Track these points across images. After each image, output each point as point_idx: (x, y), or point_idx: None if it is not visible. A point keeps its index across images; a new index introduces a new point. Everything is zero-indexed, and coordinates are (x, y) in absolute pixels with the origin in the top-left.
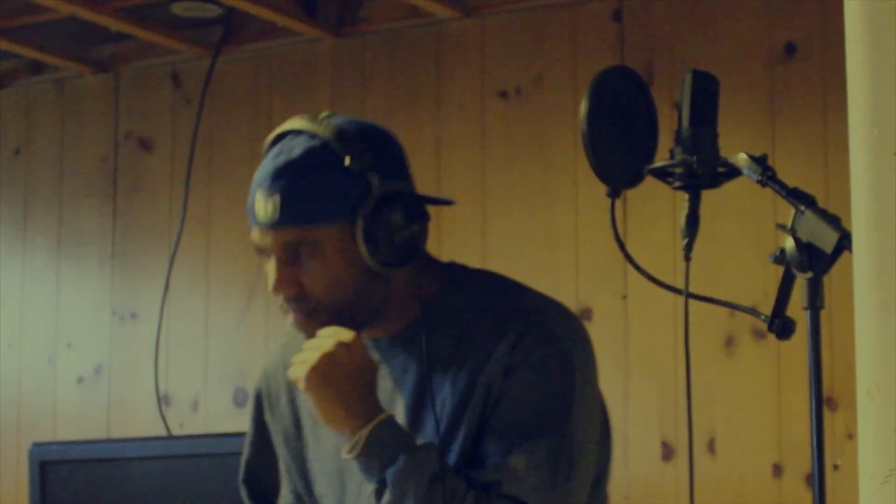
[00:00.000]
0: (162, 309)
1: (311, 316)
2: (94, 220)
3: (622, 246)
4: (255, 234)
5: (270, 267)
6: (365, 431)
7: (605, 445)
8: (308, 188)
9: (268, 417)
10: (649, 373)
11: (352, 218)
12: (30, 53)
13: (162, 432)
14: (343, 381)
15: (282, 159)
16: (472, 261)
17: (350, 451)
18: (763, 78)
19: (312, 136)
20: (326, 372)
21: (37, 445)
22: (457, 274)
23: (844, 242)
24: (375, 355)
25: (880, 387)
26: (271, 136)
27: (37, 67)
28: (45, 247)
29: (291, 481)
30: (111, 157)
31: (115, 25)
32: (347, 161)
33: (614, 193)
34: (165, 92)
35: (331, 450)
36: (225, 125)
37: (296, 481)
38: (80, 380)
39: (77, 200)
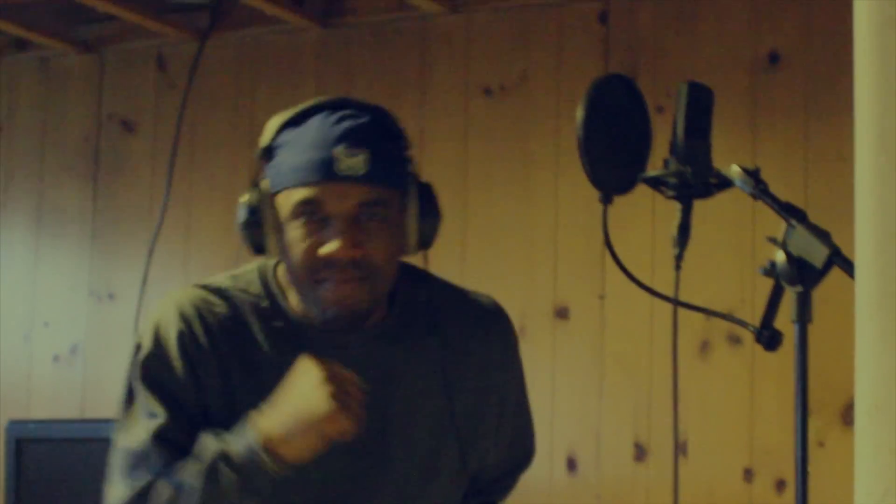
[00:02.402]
0: (143, 290)
1: (360, 283)
2: (75, 199)
3: (613, 254)
4: (322, 191)
5: (333, 230)
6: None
7: None
8: (393, 150)
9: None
10: (624, 373)
11: (407, 192)
12: (14, 31)
13: None
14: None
15: (361, 120)
16: (452, 256)
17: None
18: (746, 85)
19: (372, 110)
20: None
21: (13, 423)
22: (419, 274)
23: (834, 258)
24: (334, 339)
25: (879, 407)
26: (300, 108)
27: (21, 45)
28: (24, 225)
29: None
30: (93, 137)
31: (102, 6)
32: (404, 136)
33: (607, 200)
34: (150, 75)
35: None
36: (208, 110)
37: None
38: (55, 358)
39: (58, 179)
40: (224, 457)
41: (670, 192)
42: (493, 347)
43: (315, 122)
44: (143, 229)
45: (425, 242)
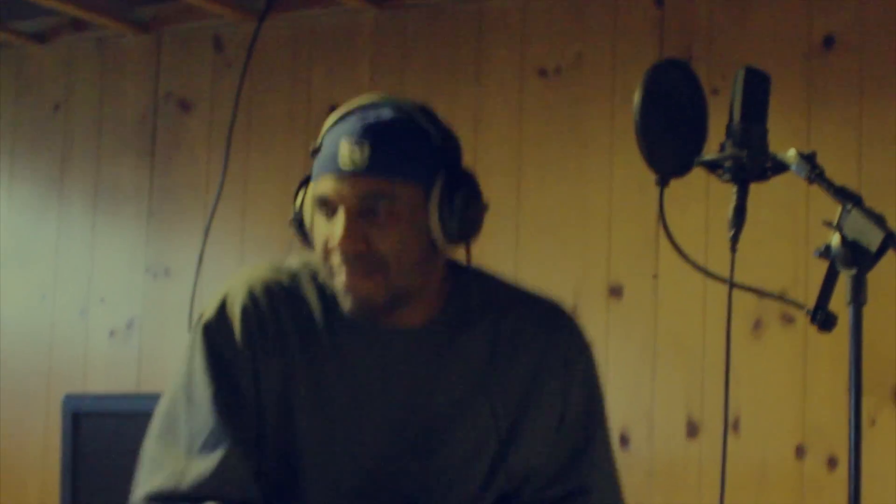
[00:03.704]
0: (199, 267)
1: (370, 275)
2: (131, 177)
3: (669, 234)
4: (329, 184)
5: (338, 222)
6: None
7: None
8: (398, 144)
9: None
10: (677, 352)
11: (429, 187)
12: (72, 11)
13: None
14: None
15: (372, 117)
16: (506, 236)
17: None
18: (800, 69)
19: (397, 107)
20: None
21: (70, 397)
22: (468, 272)
23: (889, 242)
24: (388, 338)
25: None
26: (344, 109)
27: (79, 25)
28: (82, 202)
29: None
30: (150, 116)
31: None
32: (432, 131)
33: (663, 182)
34: (206, 55)
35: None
36: (265, 90)
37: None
38: (111, 334)
39: (115, 158)
40: None
41: (726, 176)
42: (549, 352)
43: (347, 120)
44: (199, 207)
45: (460, 236)
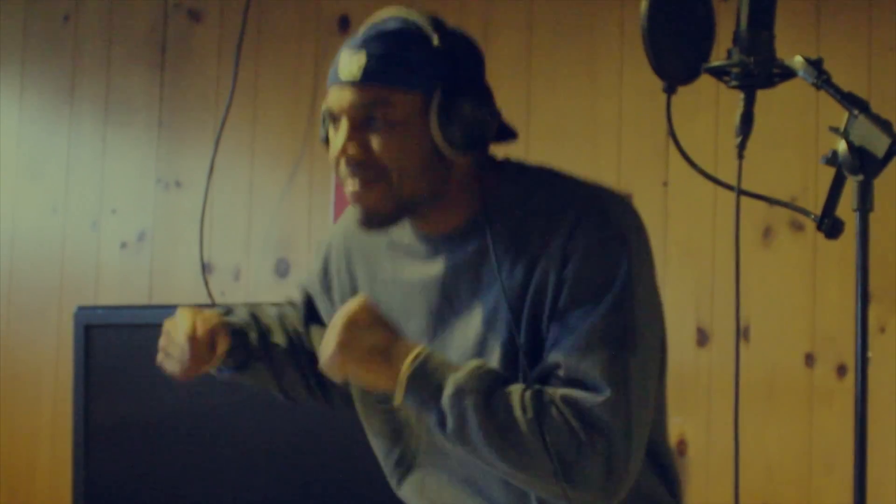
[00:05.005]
0: (209, 178)
1: (372, 184)
2: (142, 88)
3: (677, 142)
4: (333, 96)
5: (340, 132)
6: (405, 372)
7: (664, 337)
8: (395, 53)
9: (333, 272)
10: (687, 259)
11: (430, 95)
12: None
13: (204, 300)
14: (369, 338)
15: (375, 28)
16: (515, 147)
17: (399, 397)
18: None
19: (405, 19)
20: (350, 339)
21: (82, 309)
22: (513, 169)
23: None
24: (430, 247)
25: None
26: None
27: None
28: (92, 113)
29: None
30: (160, 26)
31: None
32: (435, 41)
33: (670, 89)
34: None
35: None
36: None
37: None
38: (123, 245)
39: (125, 69)
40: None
41: (733, 82)
42: (558, 235)
43: (355, 33)
44: (209, 118)
45: (465, 143)
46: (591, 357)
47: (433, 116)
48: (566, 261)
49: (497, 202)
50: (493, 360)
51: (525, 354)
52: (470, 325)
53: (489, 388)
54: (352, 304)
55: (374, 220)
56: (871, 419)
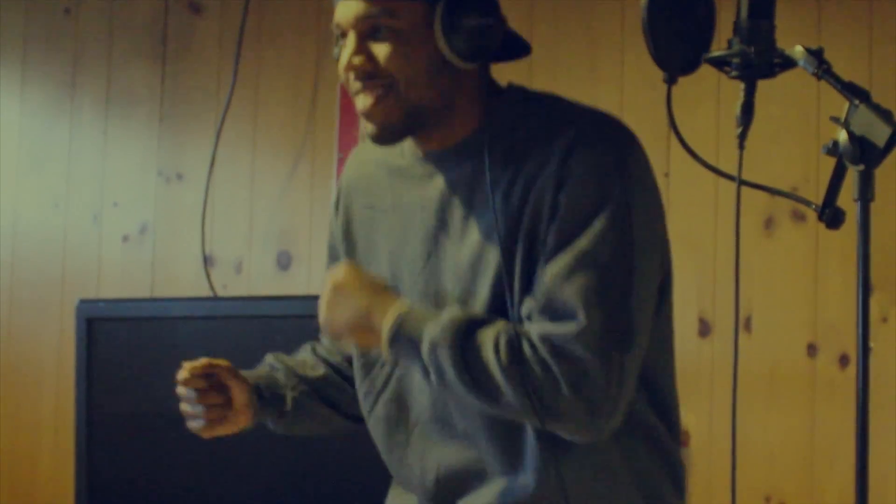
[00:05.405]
0: (210, 170)
1: (382, 98)
2: (143, 81)
3: (677, 133)
4: (340, 9)
5: (347, 45)
6: (385, 335)
7: (666, 258)
8: None
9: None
10: (689, 250)
11: (434, 4)
12: None
13: (205, 293)
14: (353, 303)
15: None
16: None
17: (387, 357)
18: None
19: None
20: (335, 306)
21: (84, 302)
22: (517, 92)
23: None
24: (428, 166)
25: None
26: None
27: None
28: (93, 106)
29: None
30: (161, 19)
31: None
32: None
33: (671, 80)
34: None
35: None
36: None
37: None
38: (125, 238)
39: (126, 61)
40: None
41: (734, 72)
42: (554, 159)
43: None
44: (210, 110)
45: (471, 52)
46: (573, 283)
47: (437, 25)
48: (561, 185)
49: (498, 123)
50: (484, 286)
51: (509, 287)
52: (462, 249)
53: (463, 338)
54: (336, 271)
55: (386, 132)
56: (874, 409)
